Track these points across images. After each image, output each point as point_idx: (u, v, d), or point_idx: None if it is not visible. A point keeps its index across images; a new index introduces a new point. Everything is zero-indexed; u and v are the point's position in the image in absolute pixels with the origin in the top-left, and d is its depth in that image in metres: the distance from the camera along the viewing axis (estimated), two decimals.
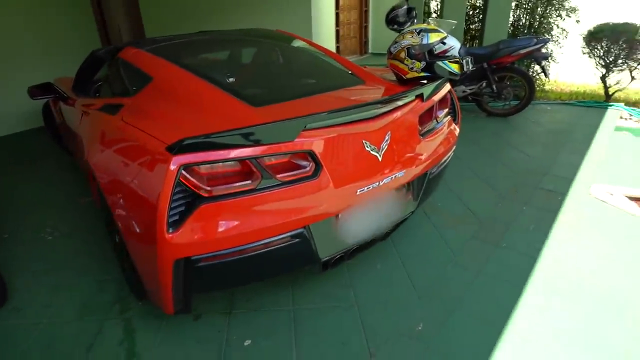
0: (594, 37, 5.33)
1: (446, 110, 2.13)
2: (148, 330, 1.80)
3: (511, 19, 5.72)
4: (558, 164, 3.35)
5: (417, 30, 2.23)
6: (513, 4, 5.68)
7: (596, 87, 6.28)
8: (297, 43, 2.75)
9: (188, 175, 1.33)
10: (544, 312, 1.81)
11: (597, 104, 5.03)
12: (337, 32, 8.92)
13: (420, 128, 1.91)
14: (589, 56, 5.48)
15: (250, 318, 1.86)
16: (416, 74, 2.19)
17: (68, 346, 1.75)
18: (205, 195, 1.35)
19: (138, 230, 1.46)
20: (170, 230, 1.32)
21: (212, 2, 6.30)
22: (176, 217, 1.34)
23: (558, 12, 5.85)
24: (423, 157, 1.90)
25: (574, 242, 2.31)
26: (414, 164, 1.84)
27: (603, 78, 5.47)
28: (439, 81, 1.99)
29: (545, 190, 2.91)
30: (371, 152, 1.64)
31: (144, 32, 5.90)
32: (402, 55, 2.20)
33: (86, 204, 3.03)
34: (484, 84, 4.39)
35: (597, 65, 5.44)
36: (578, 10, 5.77)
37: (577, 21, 5.79)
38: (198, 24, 5.70)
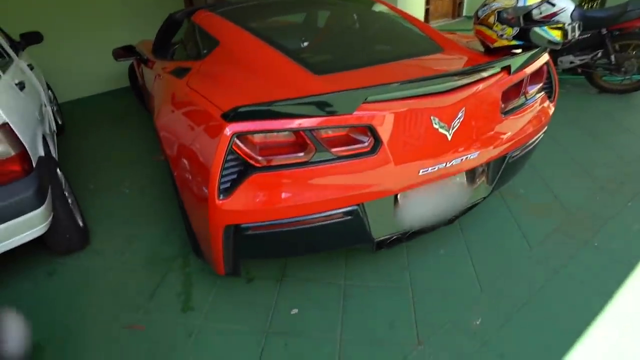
0: None
1: (539, 85, 1.83)
2: (204, 287, 1.92)
3: None
4: None
5: None
6: None
7: None
8: (376, 7, 2.55)
9: (241, 144, 1.32)
10: (632, 335, 1.54)
11: None
12: None
13: (503, 105, 1.67)
14: None
15: (300, 287, 1.87)
16: (506, 42, 1.89)
17: (134, 292, 1.94)
18: (257, 165, 1.34)
19: (194, 193, 1.51)
20: (221, 197, 1.35)
21: None
22: (227, 185, 1.36)
23: None
24: (503, 139, 1.67)
25: None
26: (491, 145, 1.63)
27: None
28: (533, 51, 1.70)
29: None
30: (439, 129, 1.47)
31: None
32: (492, 19, 1.90)
33: (160, 162, 3.25)
34: (600, 54, 3.72)
35: None
36: None
37: None
38: None
